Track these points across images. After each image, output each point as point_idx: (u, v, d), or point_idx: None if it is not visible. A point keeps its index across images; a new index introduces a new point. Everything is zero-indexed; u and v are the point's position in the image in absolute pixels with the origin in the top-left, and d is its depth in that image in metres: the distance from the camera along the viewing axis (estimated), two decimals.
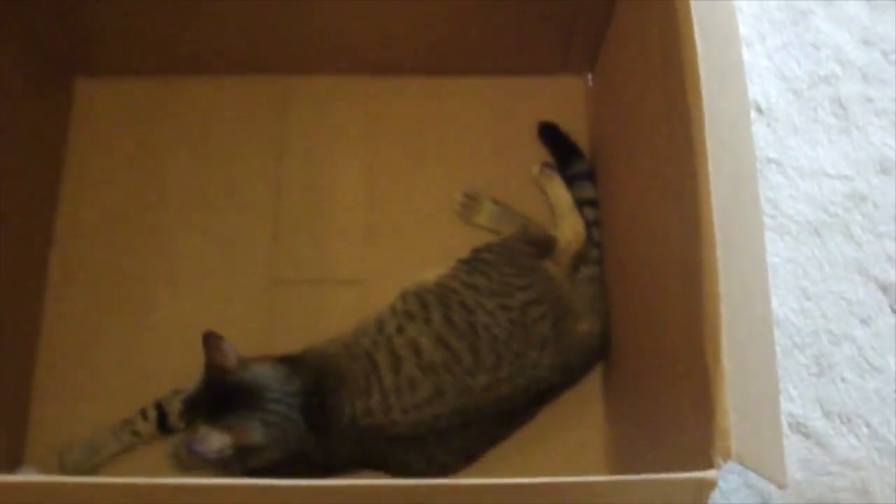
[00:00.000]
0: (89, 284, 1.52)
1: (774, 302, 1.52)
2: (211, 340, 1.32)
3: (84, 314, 1.51)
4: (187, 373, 1.36)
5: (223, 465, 1.33)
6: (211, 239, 1.54)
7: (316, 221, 1.56)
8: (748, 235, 1.20)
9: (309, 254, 1.54)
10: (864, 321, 1.53)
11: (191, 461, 1.39)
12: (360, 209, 1.56)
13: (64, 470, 1.41)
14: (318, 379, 1.36)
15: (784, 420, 1.46)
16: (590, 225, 1.50)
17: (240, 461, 1.33)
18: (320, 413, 1.35)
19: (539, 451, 1.44)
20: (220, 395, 1.31)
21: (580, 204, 1.51)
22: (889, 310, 1.54)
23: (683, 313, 1.11)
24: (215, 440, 1.27)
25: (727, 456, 0.99)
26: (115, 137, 1.60)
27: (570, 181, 1.53)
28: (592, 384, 1.46)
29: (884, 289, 1.55)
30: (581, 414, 1.45)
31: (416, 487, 0.98)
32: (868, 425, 1.47)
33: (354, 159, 1.59)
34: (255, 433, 1.30)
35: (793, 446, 1.45)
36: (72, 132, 1.60)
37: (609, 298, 1.46)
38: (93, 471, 1.42)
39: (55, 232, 1.55)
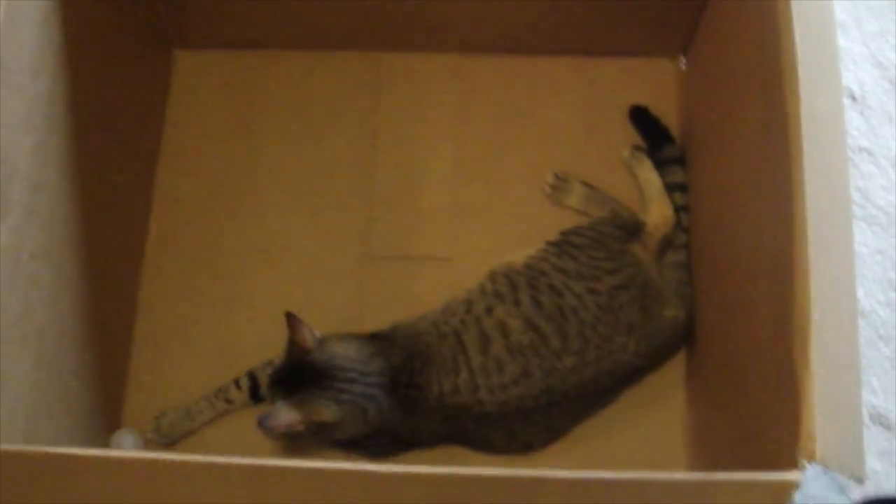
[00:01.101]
0: (185, 254, 1.57)
1: (860, 293, 1.52)
2: (292, 321, 1.36)
3: (180, 284, 1.56)
4: (278, 343, 1.40)
5: (308, 437, 1.38)
6: (304, 212, 1.58)
7: (407, 198, 1.58)
8: (838, 230, 1.19)
9: (399, 230, 1.57)
10: None
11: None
12: (450, 187, 1.58)
13: (159, 434, 1.47)
14: (406, 357, 1.40)
15: (865, 411, 1.47)
16: (678, 210, 1.51)
17: (319, 436, 1.38)
18: (408, 391, 1.38)
19: (619, 432, 1.46)
20: (298, 373, 1.36)
21: (669, 188, 1.52)
22: None
23: (773, 308, 1.12)
24: (283, 416, 1.32)
25: (812, 458, 1.00)
26: (211, 110, 1.64)
27: (660, 165, 1.54)
28: (675, 369, 1.48)
29: None
30: (663, 397, 1.47)
31: (480, 478, 0.99)
32: None
33: (445, 137, 1.61)
34: (326, 411, 1.34)
35: (872, 437, 1.46)
36: (170, 104, 1.64)
37: (695, 284, 1.47)
38: (186, 436, 1.47)
39: (153, 202, 1.60)
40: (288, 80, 1.65)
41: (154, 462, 1.01)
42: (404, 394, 1.38)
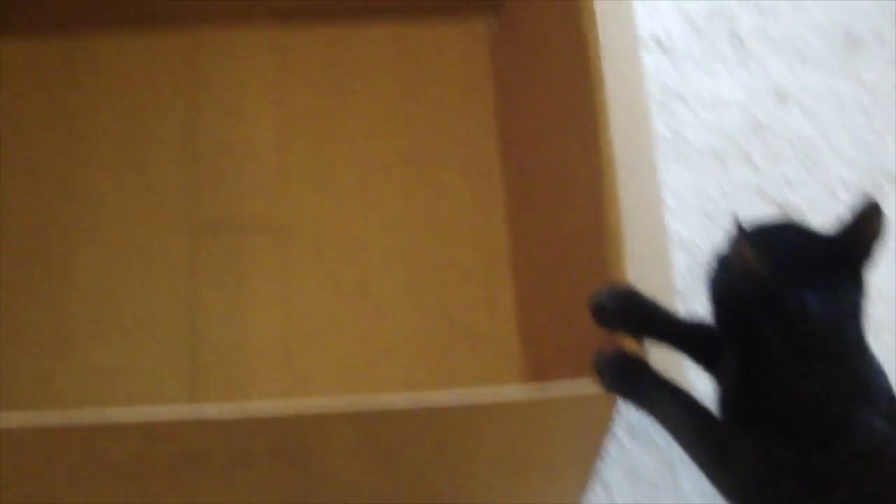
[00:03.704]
0: (10, 244, 1.52)
1: (680, 226, 1.58)
2: None
3: (7, 273, 1.51)
4: (114, 325, 1.41)
5: None
6: (128, 193, 1.57)
7: (232, 170, 1.58)
8: (643, 158, 1.26)
9: (226, 202, 1.56)
10: None
11: None
12: (274, 156, 1.59)
13: None
14: None
15: None
16: None
17: None
18: None
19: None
20: None
21: None
22: None
23: (589, 246, 1.17)
24: None
25: None
26: (28, 101, 1.61)
27: None
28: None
29: (782, 210, 1.62)
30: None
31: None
32: None
33: (266, 108, 1.62)
34: None
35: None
36: None
37: (517, 234, 1.52)
38: None
39: None
40: (102, 61, 1.63)
41: None
42: None
